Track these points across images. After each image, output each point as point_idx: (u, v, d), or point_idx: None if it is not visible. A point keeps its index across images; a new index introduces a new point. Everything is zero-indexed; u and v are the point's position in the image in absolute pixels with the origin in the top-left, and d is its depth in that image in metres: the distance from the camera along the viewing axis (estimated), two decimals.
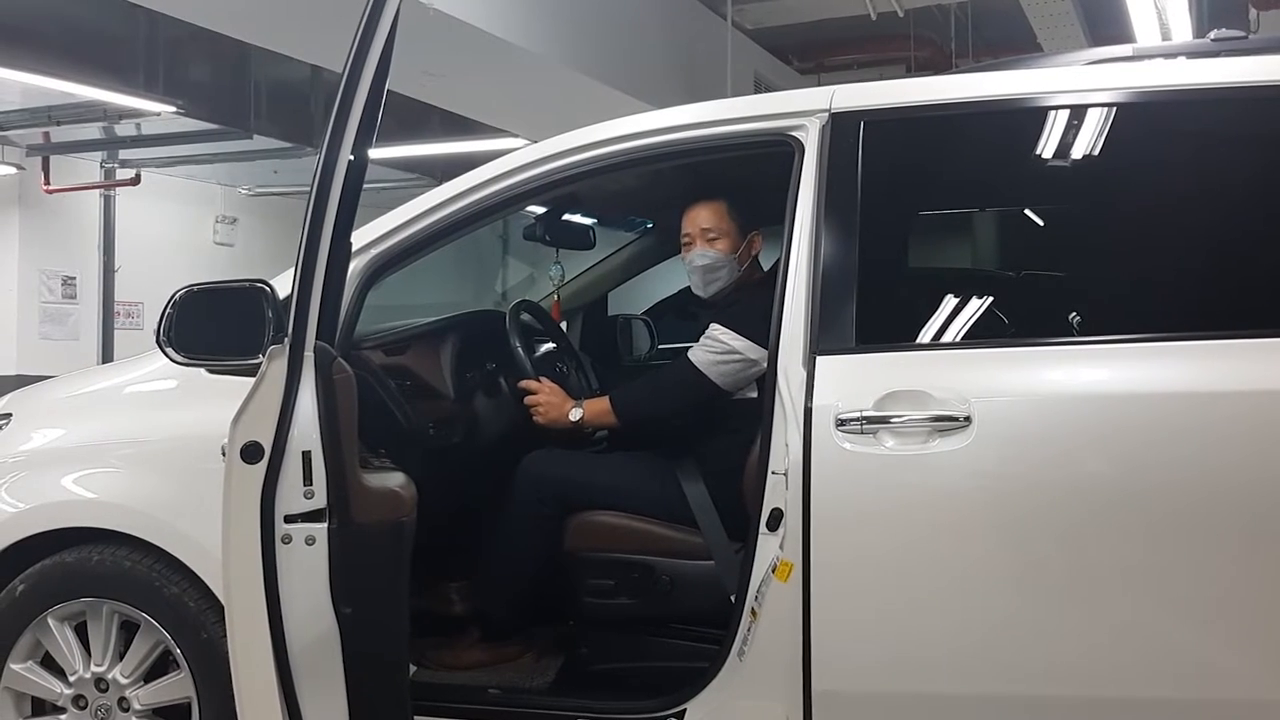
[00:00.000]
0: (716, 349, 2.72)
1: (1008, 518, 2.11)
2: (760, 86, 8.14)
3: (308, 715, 2.12)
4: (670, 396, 2.78)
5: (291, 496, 2.10)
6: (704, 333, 2.78)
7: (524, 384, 2.91)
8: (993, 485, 2.12)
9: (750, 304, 2.72)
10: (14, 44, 6.15)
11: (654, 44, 7.28)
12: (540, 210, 3.56)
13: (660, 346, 4.03)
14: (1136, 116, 2.31)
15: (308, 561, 2.11)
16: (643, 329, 4.06)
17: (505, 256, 12.08)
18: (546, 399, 2.87)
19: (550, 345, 3.35)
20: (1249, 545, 2.04)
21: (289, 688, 2.11)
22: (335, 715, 2.15)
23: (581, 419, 2.81)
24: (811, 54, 9.23)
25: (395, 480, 2.26)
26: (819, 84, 3.70)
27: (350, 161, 2.11)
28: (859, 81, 2.55)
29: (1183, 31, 5.19)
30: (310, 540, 2.11)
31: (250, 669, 2.12)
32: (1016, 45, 7.89)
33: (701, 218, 2.87)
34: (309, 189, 2.10)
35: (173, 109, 7.11)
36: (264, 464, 2.08)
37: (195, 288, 2.32)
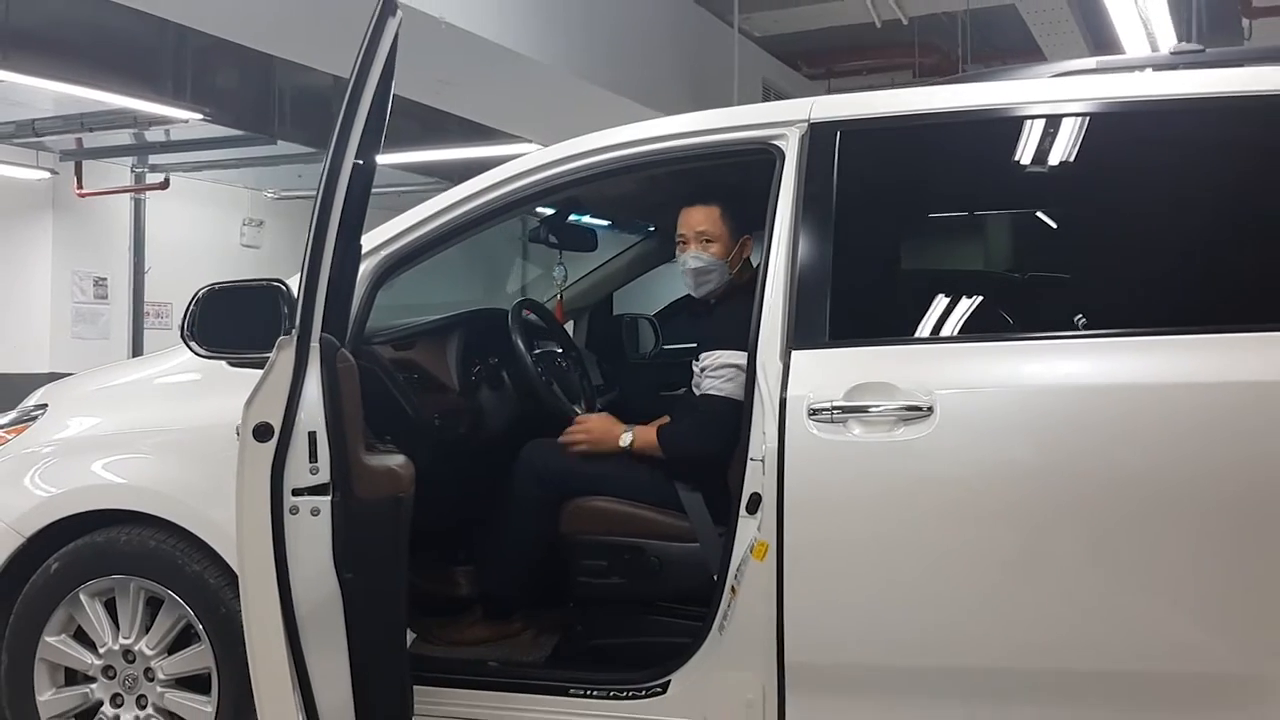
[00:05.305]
0: (725, 374, 2.74)
1: (967, 500, 2.23)
2: (769, 93, 8.13)
3: (313, 669, 2.28)
4: (713, 433, 2.70)
5: (299, 472, 2.25)
6: (700, 363, 2.82)
7: (577, 422, 2.94)
8: (953, 470, 2.23)
9: (736, 312, 2.76)
10: (48, 54, 6.30)
11: (662, 52, 7.29)
12: (545, 213, 3.70)
13: (665, 347, 4.12)
14: (1101, 125, 2.42)
15: (313, 531, 2.26)
16: (648, 328, 4.12)
17: (521, 260, 12.20)
18: (597, 425, 2.93)
19: (551, 341, 3.49)
20: (1199, 525, 2.15)
21: (296, 645, 2.26)
22: (339, 669, 2.30)
23: (632, 444, 2.85)
24: (820, 60, 9.16)
25: (395, 460, 2.40)
26: (828, 90, 3.81)
27: (356, 167, 2.26)
28: (869, 88, 2.67)
29: (1168, 40, 5.29)
30: (315, 512, 2.26)
31: (261, 629, 2.27)
32: (1021, 51, 7.92)
33: (697, 220, 2.94)
34: (314, 195, 2.24)
35: (200, 116, 7.26)
36: (274, 442, 2.24)
37: (216, 286, 2.47)
